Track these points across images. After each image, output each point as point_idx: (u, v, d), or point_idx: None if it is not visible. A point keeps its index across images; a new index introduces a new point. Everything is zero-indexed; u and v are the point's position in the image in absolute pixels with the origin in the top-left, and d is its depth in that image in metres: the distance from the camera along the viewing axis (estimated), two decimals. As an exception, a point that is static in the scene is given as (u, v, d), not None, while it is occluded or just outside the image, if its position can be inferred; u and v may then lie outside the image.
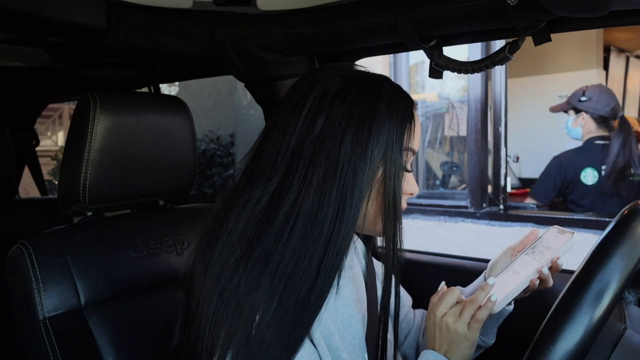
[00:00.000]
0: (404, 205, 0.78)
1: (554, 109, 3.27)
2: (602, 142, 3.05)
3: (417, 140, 0.78)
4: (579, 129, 3.04)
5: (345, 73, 0.78)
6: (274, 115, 0.78)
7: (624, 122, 3.03)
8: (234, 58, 1.21)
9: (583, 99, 2.99)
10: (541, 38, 0.92)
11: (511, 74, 4.08)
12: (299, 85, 0.79)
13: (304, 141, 0.72)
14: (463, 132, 4.42)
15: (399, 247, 0.75)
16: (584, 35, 4.78)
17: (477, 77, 3.78)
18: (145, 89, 1.81)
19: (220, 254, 0.71)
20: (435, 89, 4.79)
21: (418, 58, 4.57)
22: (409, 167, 0.78)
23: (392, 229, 0.73)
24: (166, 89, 4.78)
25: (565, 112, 3.12)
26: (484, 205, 3.79)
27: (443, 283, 0.84)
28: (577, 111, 3.02)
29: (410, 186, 0.79)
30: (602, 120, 3.00)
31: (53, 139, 7.93)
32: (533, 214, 3.62)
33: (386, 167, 0.73)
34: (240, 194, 0.75)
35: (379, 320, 0.81)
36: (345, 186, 0.70)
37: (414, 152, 0.78)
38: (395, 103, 0.75)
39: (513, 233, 3.58)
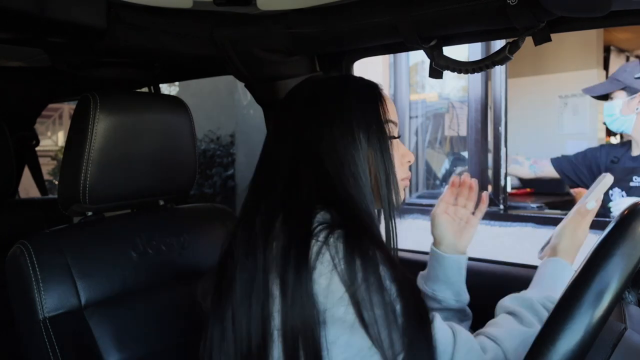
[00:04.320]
0: (406, 173, 0.86)
1: (593, 91, 2.36)
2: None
3: (393, 112, 0.84)
4: (632, 117, 2.12)
5: (313, 82, 0.86)
6: (267, 140, 0.84)
7: None
8: (234, 58, 1.21)
9: None
10: (541, 38, 0.92)
11: (511, 74, 4.07)
12: (280, 107, 0.85)
13: (303, 151, 0.77)
14: (463, 132, 4.41)
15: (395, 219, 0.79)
16: (584, 35, 4.78)
17: (477, 77, 3.78)
18: (145, 89, 1.81)
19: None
20: (435, 89, 4.78)
21: (418, 58, 4.56)
22: (396, 134, 0.84)
23: (388, 197, 0.78)
24: (166, 89, 4.77)
25: (606, 97, 2.25)
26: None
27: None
28: (630, 92, 2.14)
29: (407, 155, 0.86)
30: None
31: (53, 139, 7.92)
32: (533, 214, 3.61)
33: (373, 141, 0.78)
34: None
35: None
36: (355, 174, 0.76)
37: (395, 124, 0.84)
38: (362, 89, 0.83)
39: (513, 233, 3.58)
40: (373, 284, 0.65)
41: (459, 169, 4.40)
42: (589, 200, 0.91)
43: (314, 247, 0.67)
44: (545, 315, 0.79)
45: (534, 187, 4.85)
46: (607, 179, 0.93)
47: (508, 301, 0.85)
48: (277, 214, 0.73)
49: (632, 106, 2.12)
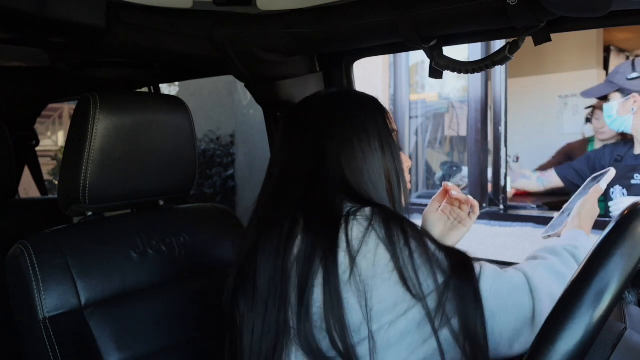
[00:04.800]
0: (407, 177, 0.93)
1: (590, 94, 2.44)
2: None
3: (393, 121, 0.93)
4: (629, 117, 2.19)
5: (323, 97, 0.92)
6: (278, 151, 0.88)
7: None
8: (234, 58, 1.21)
9: (634, 75, 2.18)
10: (541, 38, 0.92)
11: (511, 74, 4.07)
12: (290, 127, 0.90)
13: (323, 160, 0.82)
14: (463, 132, 4.41)
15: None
16: (584, 35, 4.78)
17: (477, 77, 3.78)
18: (145, 89, 1.81)
19: None
20: (435, 89, 4.78)
21: (418, 58, 4.56)
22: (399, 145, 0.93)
23: (400, 193, 0.86)
24: (166, 89, 4.76)
25: (603, 98, 2.34)
26: (484, 205, 3.79)
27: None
28: (625, 93, 2.20)
29: (406, 161, 0.94)
30: None
31: (53, 139, 7.91)
32: (533, 214, 3.61)
33: (386, 149, 0.86)
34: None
35: None
36: (373, 179, 0.83)
37: (397, 132, 0.93)
38: (369, 101, 0.91)
39: (513, 233, 3.58)
40: (417, 250, 0.72)
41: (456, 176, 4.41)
42: (601, 183, 1.03)
43: (353, 222, 0.73)
44: (565, 254, 0.85)
45: (533, 187, 4.85)
46: (611, 171, 1.04)
47: (531, 251, 0.91)
48: (298, 219, 0.77)
49: (627, 107, 2.17)
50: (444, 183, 1.09)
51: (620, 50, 5.37)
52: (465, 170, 4.30)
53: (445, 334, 0.71)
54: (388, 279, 0.71)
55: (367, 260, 0.71)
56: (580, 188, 1.08)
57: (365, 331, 0.71)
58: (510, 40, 0.96)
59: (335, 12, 1.05)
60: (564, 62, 4.94)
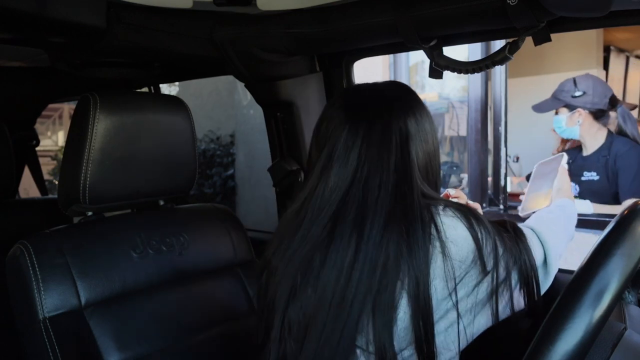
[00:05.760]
0: None
1: (540, 109, 2.94)
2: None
3: None
4: (576, 128, 2.75)
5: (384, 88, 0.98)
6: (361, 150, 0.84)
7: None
8: (234, 58, 1.21)
9: (578, 93, 2.73)
10: (541, 38, 0.92)
11: (511, 74, 4.07)
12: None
13: (409, 158, 0.84)
14: (463, 132, 4.41)
15: None
16: (584, 35, 4.77)
17: (477, 77, 3.77)
18: (145, 89, 1.81)
19: None
20: (435, 89, 4.78)
21: (418, 58, 4.56)
22: None
23: (439, 180, 0.92)
24: (166, 89, 4.76)
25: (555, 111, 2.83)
26: (484, 205, 3.79)
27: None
28: (571, 108, 2.75)
29: None
30: (600, 115, 2.70)
31: (53, 139, 7.91)
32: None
33: (436, 139, 0.92)
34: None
35: None
36: (433, 170, 0.89)
37: None
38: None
39: (513, 233, 3.57)
40: (492, 229, 0.79)
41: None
42: (562, 163, 1.21)
43: (438, 212, 0.78)
44: (558, 211, 1.04)
45: (533, 187, 4.84)
46: (565, 156, 1.22)
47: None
48: (381, 224, 0.76)
49: (574, 119, 2.69)
50: (446, 191, 1.10)
51: (620, 50, 5.37)
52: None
53: (506, 293, 0.79)
54: (468, 260, 0.76)
55: (457, 245, 0.76)
56: (533, 173, 1.22)
57: (440, 312, 0.75)
58: (510, 40, 0.96)
59: (335, 12, 1.05)
60: (564, 62, 4.93)
